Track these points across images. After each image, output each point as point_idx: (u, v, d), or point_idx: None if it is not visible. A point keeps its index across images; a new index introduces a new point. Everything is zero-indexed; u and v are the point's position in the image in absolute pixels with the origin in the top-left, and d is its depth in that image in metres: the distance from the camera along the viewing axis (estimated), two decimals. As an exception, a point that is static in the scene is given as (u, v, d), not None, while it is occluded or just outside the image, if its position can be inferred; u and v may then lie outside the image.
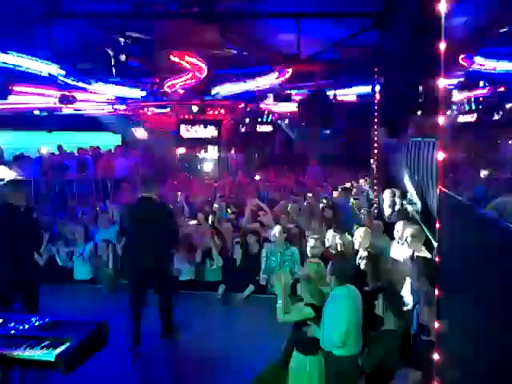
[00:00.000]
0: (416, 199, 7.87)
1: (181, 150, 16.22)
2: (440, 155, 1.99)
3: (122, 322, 4.99)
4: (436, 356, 1.99)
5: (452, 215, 1.89)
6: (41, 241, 5.38)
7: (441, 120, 2.03)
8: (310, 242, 5.95)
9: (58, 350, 2.69)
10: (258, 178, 13.78)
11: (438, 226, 2.01)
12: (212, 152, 16.22)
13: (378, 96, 8.21)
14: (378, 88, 8.17)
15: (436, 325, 2.05)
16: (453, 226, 1.92)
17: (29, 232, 4.89)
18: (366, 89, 10.80)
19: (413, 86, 7.72)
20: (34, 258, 5.27)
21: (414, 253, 4.65)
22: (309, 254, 5.81)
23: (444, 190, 1.96)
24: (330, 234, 6.22)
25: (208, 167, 15.81)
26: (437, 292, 2.01)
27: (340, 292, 3.86)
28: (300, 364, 3.92)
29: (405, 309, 4.17)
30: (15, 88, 7.63)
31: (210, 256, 6.68)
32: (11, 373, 2.94)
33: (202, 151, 17.05)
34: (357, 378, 3.84)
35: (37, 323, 3.09)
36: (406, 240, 4.68)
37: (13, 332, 2.96)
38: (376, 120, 8.09)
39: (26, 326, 3.04)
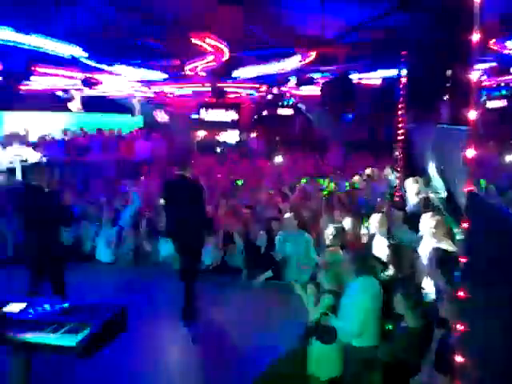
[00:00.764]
0: (440, 188, 7.68)
1: (201, 133, 16.21)
2: (470, 152, 1.88)
3: (141, 306, 5.08)
4: (459, 358, 1.94)
5: (480, 217, 1.81)
6: (66, 221, 5.49)
7: (472, 115, 1.92)
8: (330, 229, 5.88)
9: (79, 336, 2.71)
10: (277, 162, 13.67)
11: (465, 225, 1.93)
12: (232, 135, 16.16)
13: (404, 80, 7.96)
14: (404, 71, 7.91)
15: (459, 326, 1.99)
16: (480, 226, 1.84)
17: (53, 212, 4.98)
18: (392, 72, 10.50)
19: (441, 71, 7.46)
20: (59, 237, 5.36)
21: (435, 245, 4.55)
22: (327, 242, 5.76)
23: (472, 189, 1.87)
24: (348, 221, 6.12)
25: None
26: (462, 293, 1.95)
27: (359, 282, 3.81)
28: (319, 352, 3.92)
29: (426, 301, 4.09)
30: (38, 69, 7.69)
31: (231, 241, 6.72)
32: (33, 357, 3.01)
33: (222, 134, 17.00)
34: (375, 369, 3.81)
35: (58, 307, 3.14)
36: (429, 231, 4.57)
37: (35, 316, 2.99)
38: (401, 105, 7.86)
39: (48, 310, 3.09)
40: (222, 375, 4.08)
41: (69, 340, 2.72)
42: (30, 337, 2.81)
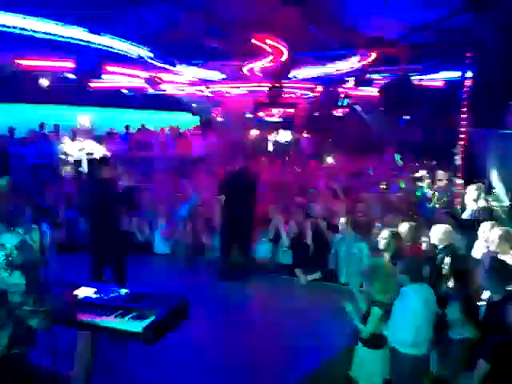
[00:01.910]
0: (503, 196, 7.33)
1: (254, 132, 16.36)
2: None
3: (199, 296, 5.24)
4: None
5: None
6: (130, 207, 5.84)
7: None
8: (384, 234, 5.77)
9: (145, 322, 2.83)
10: (328, 163, 13.53)
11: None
12: (284, 135, 16.17)
13: (468, 82, 7.67)
14: (468, 74, 7.62)
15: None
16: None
17: (117, 201, 5.27)
18: (454, 74, 10.10)
19: (509, 74, 7.12)
20: (122, 228, 5.67)
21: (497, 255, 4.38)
22: (380, 247, 5.67)
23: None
24: (404, 226, 5.97)
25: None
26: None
27: (411, 289, 3.74)
28: (364, 357, 3.89)
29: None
30: (107, 68, 8.11)
31: (280, 238, 6.79)
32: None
33: (274, 134, 17.03)
34: (422, 378, 3.74)
35: (124, 294, 3.31)
36: (492, 241, 4.40)
37: (102, 302, 3.14)
38: (464, 108, 7.57)
39: (115, 297, 3.24)
40: (269, 374, 4.11)
41: (135, 326, 2.83)
42: (98, 320, 2.93)
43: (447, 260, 4.34)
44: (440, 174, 10.12)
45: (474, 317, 3.69)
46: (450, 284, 4.18)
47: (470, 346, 3.44)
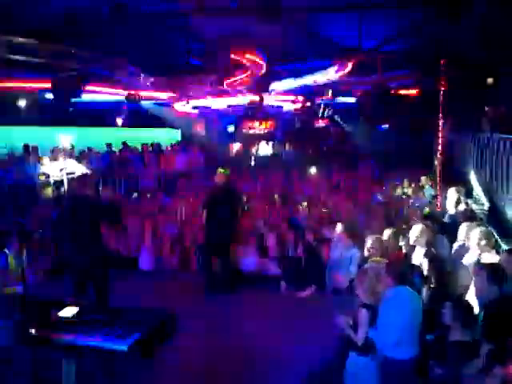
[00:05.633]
0: (483, 199, 7.47)
1: (236, 146, 16.42)
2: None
3: (187, 311, 5.17)
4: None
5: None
6: (116, 221, 5.77)
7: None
8: (368, 242, 5.84)
9: (131, 340, 2.79)
10: (312, 173, 13.62)
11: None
12: (266, 148, 16.28)
13: (443, 89, 7.85)
14: (444, 81, 7.80)
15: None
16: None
17: (96, 222, 5.19)
18: (430, 81, 10.32)
19: (482, 79, 7.33)
20: (103, 246, 5.57)
21: (479, 256, 4.44)
22: (365, 254, 5.71)
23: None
24: (387, 232, 6.04)
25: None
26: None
27: (394, 293, 3.77)
28: (356, 364, 3.87)
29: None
30: (87, 87, 8.04)
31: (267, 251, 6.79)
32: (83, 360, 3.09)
33: (256, 147, 17.11)
34: (413, 382, 3.73)
35: (109, 312, 3.26)
36: (474, 242, 4.46)
37: (87, 321, 3.10)
38: (441, 114, 7.73)
39: (100, 316, 3.19)
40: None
41: (120, 344, 2.79)
42: (81, 341, 2.90)
43: (426, 263, 4.40)
44: (423, 179, 10.30)
45: (466, 319, 3.70)
46: (432, 284, 4.22)
47: (467, 348, 3.44)
